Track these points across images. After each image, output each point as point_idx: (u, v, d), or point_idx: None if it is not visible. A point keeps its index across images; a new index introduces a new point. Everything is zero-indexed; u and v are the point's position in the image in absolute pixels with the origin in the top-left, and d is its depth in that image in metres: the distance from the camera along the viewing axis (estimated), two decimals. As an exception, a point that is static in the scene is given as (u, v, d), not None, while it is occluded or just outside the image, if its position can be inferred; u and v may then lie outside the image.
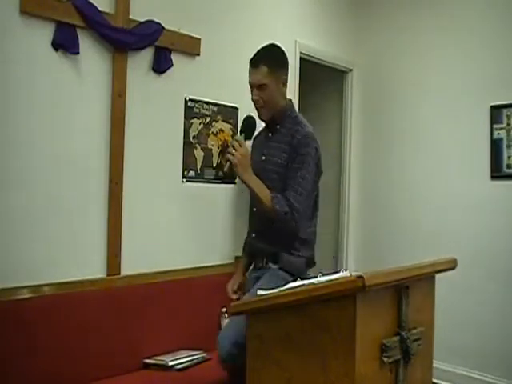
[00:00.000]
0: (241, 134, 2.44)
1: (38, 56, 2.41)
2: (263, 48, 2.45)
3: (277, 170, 2.32)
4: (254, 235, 2.47)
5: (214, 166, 3.17)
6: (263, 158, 2.40)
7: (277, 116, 2.39)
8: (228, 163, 2.29)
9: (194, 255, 3.09)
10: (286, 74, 2.43)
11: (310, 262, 2.40)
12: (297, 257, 2.31)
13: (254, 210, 2.44)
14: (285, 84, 2.41)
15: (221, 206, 3.27)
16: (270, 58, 2.37)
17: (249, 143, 2.49)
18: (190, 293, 2.94)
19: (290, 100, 2.48)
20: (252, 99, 2.40)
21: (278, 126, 2.39)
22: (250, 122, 2.47)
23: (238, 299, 2.44)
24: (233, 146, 2.26)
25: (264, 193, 2.24)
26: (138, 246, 2.81)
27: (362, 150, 4.44)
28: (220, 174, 3.19)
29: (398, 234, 4.12)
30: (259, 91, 2.34)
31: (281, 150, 2.32)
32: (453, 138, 3.80)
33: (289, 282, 2.17)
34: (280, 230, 2.27)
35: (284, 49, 2.53)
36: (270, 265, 2.33)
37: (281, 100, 2.41)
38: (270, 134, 2.44)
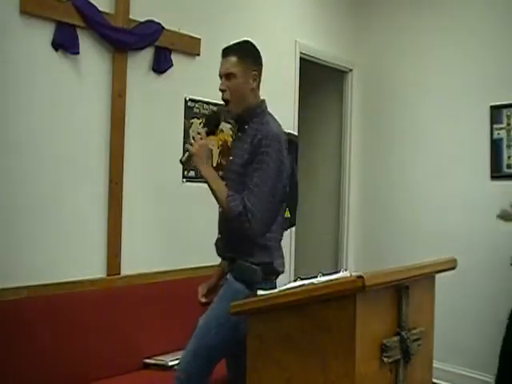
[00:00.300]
0: (203, 127, 2.38)
1: (38, 56, 2.41)
2: (236, 42, 2.42)
3: (237, 170, 2.24)
4: (219, 236, 2.38)
5: (214, 165, 3.17)
6: (230, 158, 2.35)
7: (246, 115, 2.31)
8: (186, 153, 2.26)
9: (194, 255, 3.09)
10: (257, 70, 2.33)
11: (271, 271, 2.21)
12: (251, 264, 2.16)
13: (220, 209, 2.35)
14: (255, 79, 2.31)
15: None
16: (239, 50, 2.33)
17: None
18: (190, 293, 2.93)
19: (263, 100, 2.37)
20: (219, 89, 2.31)
21: (246, 126, 2.31)
22: (212, 116, 2.44)
23: (207, 303, 2.34)
24: (193, 138, 2.25)
25: (220, 189, 2.18)
26: (138, 246, 2.81)
27: (362, 150, 4.44)
28: (220, 173, 3.17)
29: (398, 234, 4.12)
30: (226, 81, 2.28)
31: (243, 150, 2.24)
32: (453, 138, 3.80)
33: (245, 295, 2.02)
34: (237, 233, 2.17)
35: (256, 46, 2.42)
36: (228, 274, 2.23)
37: (250, 96, 2.31)
38: (239, 134, 2.39)
